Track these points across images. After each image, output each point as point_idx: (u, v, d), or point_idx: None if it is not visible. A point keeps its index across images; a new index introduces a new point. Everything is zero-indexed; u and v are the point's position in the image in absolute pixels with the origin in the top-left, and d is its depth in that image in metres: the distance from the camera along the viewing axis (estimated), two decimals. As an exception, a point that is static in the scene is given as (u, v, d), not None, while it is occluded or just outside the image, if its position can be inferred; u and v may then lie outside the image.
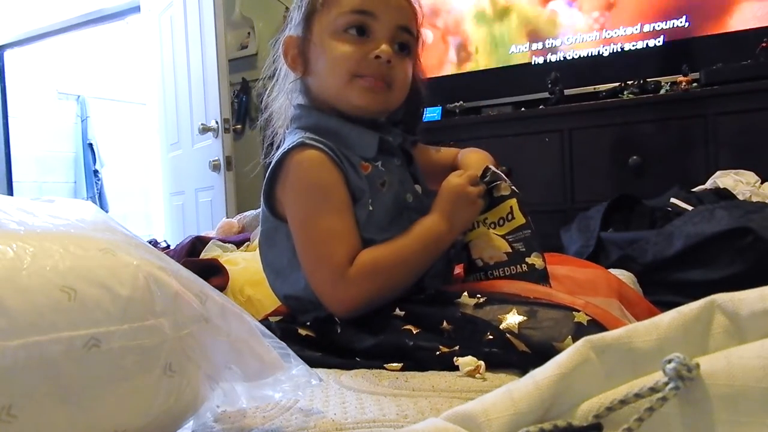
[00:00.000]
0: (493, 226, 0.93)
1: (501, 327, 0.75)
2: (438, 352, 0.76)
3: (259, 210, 2.28)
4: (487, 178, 0.94)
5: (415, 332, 0.80)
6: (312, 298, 0.88)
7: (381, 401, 0.65)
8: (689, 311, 0.39)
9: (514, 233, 0.92)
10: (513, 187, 0.94)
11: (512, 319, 0.76)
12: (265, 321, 0.94)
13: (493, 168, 0.95)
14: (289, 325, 0.89)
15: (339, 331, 0.85)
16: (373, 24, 0.92)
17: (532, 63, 2.73)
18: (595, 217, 1.69)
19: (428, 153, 1.09)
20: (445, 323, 0.79)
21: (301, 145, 0.88)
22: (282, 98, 1.02)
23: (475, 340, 0.76)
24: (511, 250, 0.91)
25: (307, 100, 0.98)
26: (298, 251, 0.88)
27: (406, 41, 0.95)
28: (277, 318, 0.95)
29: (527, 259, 0.90)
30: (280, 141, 1.00)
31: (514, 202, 0.93)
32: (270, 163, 0.93)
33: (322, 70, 0.95)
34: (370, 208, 0.90)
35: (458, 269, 1.01)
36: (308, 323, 0.90)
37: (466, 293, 0.82)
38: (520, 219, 0.92)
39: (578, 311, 0.75)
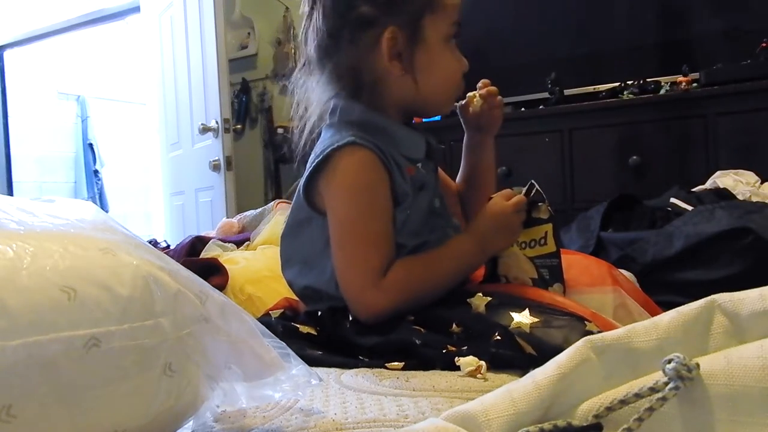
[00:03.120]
0: (523, 245, 0.92)
1: (512, 325, 0.76)
2: (444, 350, 0.77)
3: (259, 210, 2.28)
4: (531, 197, 0.92)
5: (423, 332, 0.80)
6: (332, 291, 0.89)
7: (381, 401, 0.64)
8: (689, 311, 0.39)
9: (542, 258, 0.91)
10: (551, 210, 0.92)
11: (524, 318, 0.76)
12: (265, 316, 0.94)
13: (537, 186, 0.93)
14: (289, 323, 0.89)
15: (348, 325, 0.85)
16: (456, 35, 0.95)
17: (532, 63, 2.73)
18: (595, 217, 1.68)
19: (439, 173, 1.09)
20: (454, 326, 0.80)
21: (352, 143, 0.86)
22: (319, 89, 0.97)
23: (482, 340, 0.76)
24: (537, 276, 0.90)
25: (354, 94, 0.93)
26: (333, 249, 0.88)
27: None
28: (278, 313, 0.95)
29: (550, 288, 0.89)
30: (315, 133, 0.97)
31: (550, 227, 0.91)
32: (298, 152, 0.96)
33: (436, 75, 0.93)
34: (408, 212, 0.90)
35: None
36: (313, 316, 0.90)
37: (480, 293, 0.82)
38: (551, 246, 0.91)
39: (589, 321, 0.75)
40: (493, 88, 1.03)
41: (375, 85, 0.92)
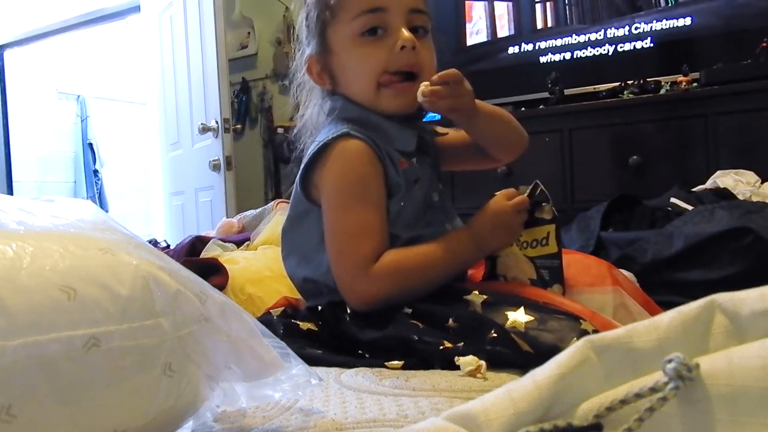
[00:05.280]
0: (525, 245, 0.91)
1: (507, 324, 0.76)
2: (441, 347, 0.77)
3: (259, 210, 2.28)
4: (535, 197, 0.91)
5: (420, 327, 0.81)
6: (330, 283, 0.89)
7: (381, 401, 0.64)
8: (689, 311, 0.39)
9: (543, 259, 0.91)
10: (555, 211, 0.91)
11: (519, 317, 0.76)
12: (266, 315, 0.95)
13: (542, 186, 0.92)
14: (290, 320, 0.90)
15: (348, 319, 0.86)
16: (386, 18, 0.91)
17: (533, 63, 2.73)
18: (595, 217, 1.68)
19: (450, 136, 1.07)
20: (450, 321, 0.80)
21: (346, 135, 0.88)
22: (312, 108, 1.02)
23: (478, 338, 0.76)
24: (536, 277, 0.90)
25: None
26: (326, 238, 0.89)
27: (422, 22, 0.94)
28: (278, 311, 0.95)
29: (549, 289, 0.89)
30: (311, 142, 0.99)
31: (552, 228, 0.91)
32: (295, 150, 0.98)
33: (349, 79, 0.95)
34: (402, 204, 0.91)
35: (471, 270, 1.00)
36: (314, 311, 0.91)
37: (476, 291, 0.83)
38: (553, 247, 0.91)
39: (584, 320, 0.75)
40: (434, 88, 0.89)
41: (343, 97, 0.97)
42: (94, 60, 5.45)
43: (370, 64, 0.91)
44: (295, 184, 0.95)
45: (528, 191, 0.91)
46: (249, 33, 3.61)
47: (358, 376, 0.74)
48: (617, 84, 2.46)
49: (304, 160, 0.92)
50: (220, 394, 0.55)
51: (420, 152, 0.97)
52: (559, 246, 0.91)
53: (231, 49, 3.34)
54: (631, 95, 2.39)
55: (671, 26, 2.49)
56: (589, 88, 2.54)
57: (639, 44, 2.54)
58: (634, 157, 2.28)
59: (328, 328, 0.88)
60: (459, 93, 0.90)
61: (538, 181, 0.92)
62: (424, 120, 1.07)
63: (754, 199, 1.69)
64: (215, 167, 2.91)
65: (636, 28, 2.55)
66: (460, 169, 1.03)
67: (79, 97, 5.46)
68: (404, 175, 0.91)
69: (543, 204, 0.91)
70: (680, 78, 2.30)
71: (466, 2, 2.90)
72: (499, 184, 1.15)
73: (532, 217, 0.91)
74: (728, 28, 2.39)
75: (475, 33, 2.89)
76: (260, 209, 2.16)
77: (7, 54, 4.75)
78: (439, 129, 1.06)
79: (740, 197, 1.72)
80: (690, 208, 1.60)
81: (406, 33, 0.90)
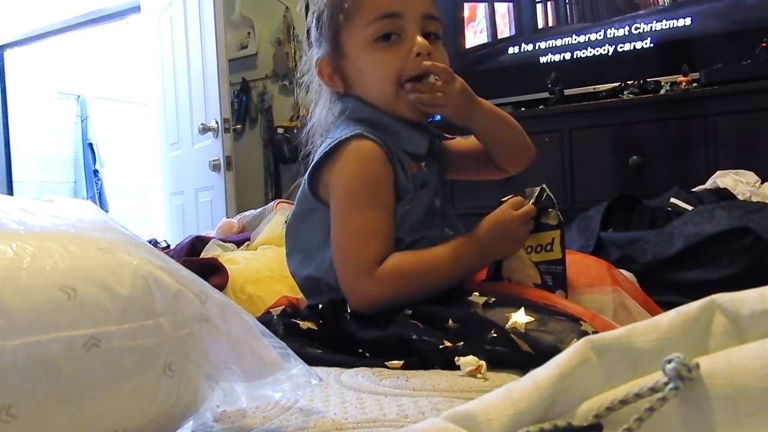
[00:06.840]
0: (529, 250, 0.91)
1: (507, 325, 0.76)
2: (441, 346, 0.77)
3: (259, 210, 2.28)
4: (541, 203, 0.91)
5: (420, 327, 0.81)
6: (331, 281, 0.90)
7: (381, 401, 0.65)
8: (689, 311, 0.39)
9: (547, 265, 0.90)
10: (560, 217, 0.91)
11: (519, 318, 0.76)
12: (266, 314, 0.95)
13: (549, 191, 0.92)
14: (290, 320, 0.90)
15: (348, 318, 0.86)
16: (401, 23, 0.91)
17: (533, 63, 2.73)
18: (595, 217, 1.68)
19: (457, 143, 1.07)
20: (450, 322, 0.80)
21: (359, 136, 0.89)
22: (321, 110, 1.02)
23: (478, 338, 0.76)
24: (540, 282, 0.90)
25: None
26: (332, 237, 0.89)
27: (435, 29, 0.95)
28: (278, 311, 0.95)
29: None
30: (321, 142, 0.99)
31: (557, 234, 0.90)
32: (301, 152, 0.98)
33: (366, 84, 0.95)
34: (407, 207, 0.91)
35: None
36: (314, 309, 0.91)
37: (476, 292, 0.83)
38: (557, 253, 0.90)
39: (585, 322, 0.75)
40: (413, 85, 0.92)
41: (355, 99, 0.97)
42: (94, 60, 5.45)
43: (386, 69, 0.92)
44: (303, 181, 0.95)
45: (534, 197, 0.91)
46: (249, 33, 3.61)
47: (358, 376, 0.74)
48: (617, 84, 2.46)
49: (315, 158, 0.92)
50: (220, 394, 0.55)
51: (429, 156, 0.97)
52: (563, 252, 0.91)
53: (231, 49, 3.34)
54: (631, 95, 2.39)
55: (671, 26, 2.49)
56: (589, 88, 2.55)
57: (639, 44, 2.54)
58: (634, 157, 2.28)
59: (328, 327, 0.89)
60: (439, 90, 0.91)
61: (544, 186, 0.92)
62: (430, 121, 1.06)
63: (754, 199, 1.69)
64: (215, 167, 2.91)
65: (636, 28, 2.55)
66: (464, 178, 1.01)
67: (79, 97, 5.47)
68: (413, 179, 0.91)
69: (549, 210, 0.91)
70: (680, 78, 2.30)
71: (467, 3, 2.90)
72: (499, 186, 1.15)
73: (537, 222, 0.91)
74: (728, 28, 2.39)
75: (479, 32, 2.89)
76: (260, 209, 2.16)
77: (7, 54, 4.75)
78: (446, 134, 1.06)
79: (740, 197, 1.72)
80: (690, 208, 1.60)
81: (420, 39, 0.91)
